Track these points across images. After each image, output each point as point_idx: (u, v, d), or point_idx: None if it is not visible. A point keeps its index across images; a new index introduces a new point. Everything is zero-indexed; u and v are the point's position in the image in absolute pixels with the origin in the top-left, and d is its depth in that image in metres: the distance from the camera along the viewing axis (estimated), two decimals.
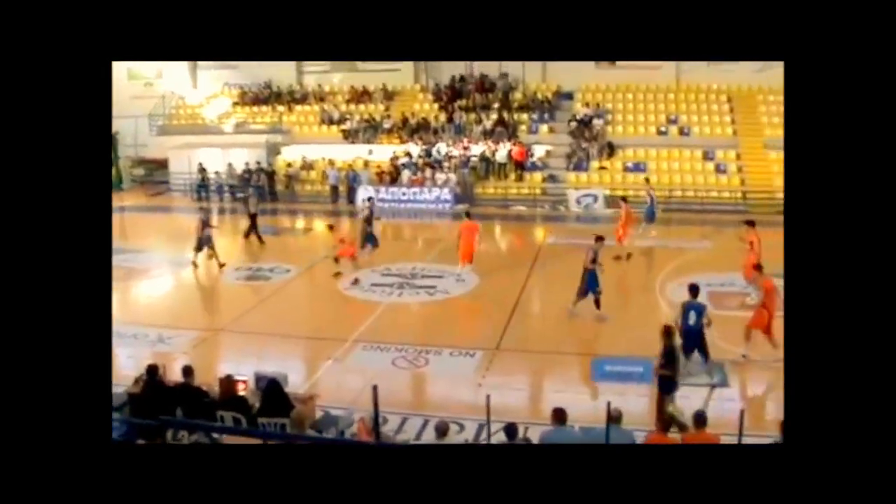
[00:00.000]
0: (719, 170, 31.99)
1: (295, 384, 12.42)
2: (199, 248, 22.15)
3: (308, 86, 40.24)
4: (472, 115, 36.02)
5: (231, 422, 10.25)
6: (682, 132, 33.76)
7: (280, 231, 28.52)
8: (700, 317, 13.32)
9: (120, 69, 36.47)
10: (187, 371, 11.05)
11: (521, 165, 33.23)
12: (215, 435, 9.42)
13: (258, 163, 34.78)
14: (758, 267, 15.24)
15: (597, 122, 34.19)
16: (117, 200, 32.46)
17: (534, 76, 37.44)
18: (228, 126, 37.89)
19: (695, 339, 13.33)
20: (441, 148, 34.42)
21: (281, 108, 38.73)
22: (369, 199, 25.96)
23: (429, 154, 34.22)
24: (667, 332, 11.95)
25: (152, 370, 10.93)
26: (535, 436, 10.25)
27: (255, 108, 39.08)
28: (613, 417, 9.27)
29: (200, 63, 39.99)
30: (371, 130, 36.43)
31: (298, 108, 38.95)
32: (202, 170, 35.10)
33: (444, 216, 30.93)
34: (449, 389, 14.17)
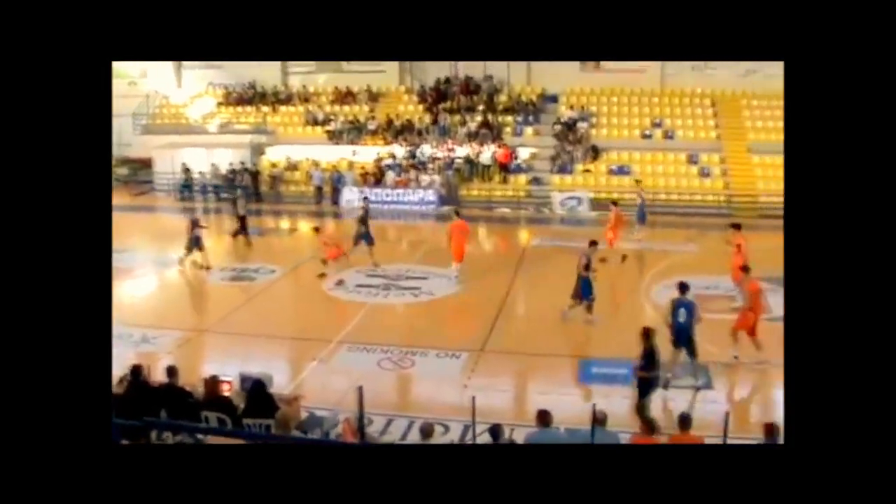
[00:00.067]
0: (703, 173, 32.10)
1: (280, 385, 12.40)
2: (189, 249, 22.05)
3: (293, 86, 40.07)
4: (457, 117, 36.00)
5: (216, 422, 10.20)
6: (666, 136, 33.89)
7: (265, 232, 28.40)
8: (690, 314, 13.42)
9: None
10: (171, 371, 11.02)
11: (505, 167, 33.24)
12: (200, 436, 9.39)
13: (242, 163, 34.68)
14: (744, 269, 15.37)
15: (581, 125, 34.26)
16: None
17: (519, 78, 37.46)
18: (213, 126, 37.70)
19: (684, 335, 13.43)
20: (425, 149, 34.36)
21: (265, 108, 38.58)
22: (365, 198, 25.91)
23: (413, 155, 34.18)
24: (646, 334, 12.00)
25: (136, 370, 10.88)
26: (520, 437, 10.28)
27: (240, 109, 38.90)
28: (598, 419, 9.32)
29: (185, 62, 39.76)
30: (355, 131, 36.36)
31: (283, 108, 38.80)
32: (186, 170, 34.95)
33: (429, 218, 30.91)
34: (434, 391, 14.17)
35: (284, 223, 31.84)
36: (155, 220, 31.75)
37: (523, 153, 34.02)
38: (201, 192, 35.08)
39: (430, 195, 32.13)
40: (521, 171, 33.46)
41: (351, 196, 32.36)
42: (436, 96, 37.45)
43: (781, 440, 8.62)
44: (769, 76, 32.71)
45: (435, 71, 38.22)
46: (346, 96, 38.79)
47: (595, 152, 33.40)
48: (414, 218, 31.22)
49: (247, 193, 31.24)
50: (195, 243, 22.05)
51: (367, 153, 35.07)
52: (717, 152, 32.84)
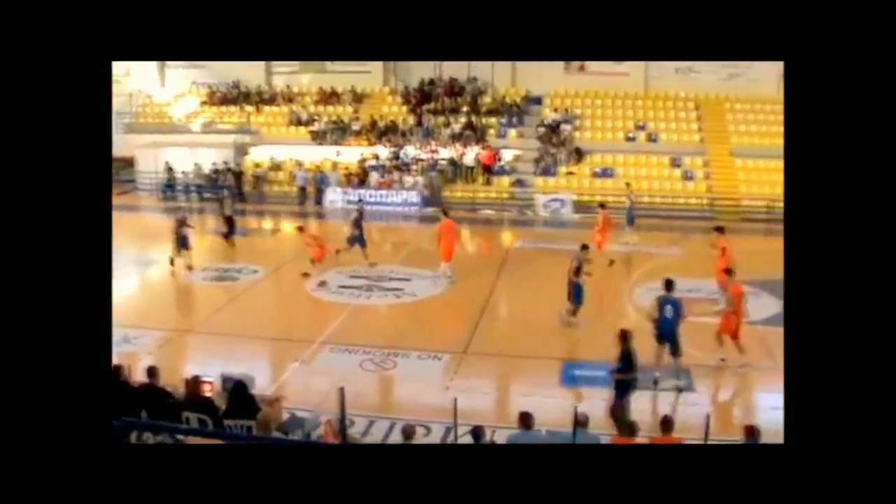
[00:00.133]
0: (686, 177, 32.24)
1: (261, 386, 12.33)
2: (178, 249, 21.91)
3: (277, 86, 39.99)
4: (441, 119, 36.04)
5: (197, 423, 10.14)
6: (649, 139, 34.03)
7: (248, 232, 28.28)
8: (675, 311, 13.48)
9: None
10: (152, 372, 10.93)
11: (488, 169, 33.28)
12: (180, 436, 9.34)
13: (226, 163, 34.58)
14: (728, 271, 15.43)
15: (565, 128, 34.36)
16: None
17: (503, 80, 37.53)
18: (196, 125, 37.59)
19: (669, 332, 13.49)
20: (409, 151, 34.37)
21: (249, 108, 38.48)
22: (360, 201, 25.81)
23: (397, 157, 34.17)
24: (623, 336, 12.03)
25: (116, 370, 10.79)
26: (501, 439, 10.29)
27: (224, 108, 38.78)
28: (580, 422, 9.34)
29: (169, 62, 39.59)
30: (339, 132, 36.31)
31: (267, 108, 38.71)
32: (169, 169, 34.84)
33: (412, 219, 30.90)
34: (416, 392, 14.15)
35: (267, 223, 31.74)
36: (137, 220, 31.51)
37: (507, 155, 34.08)
38: (184, 191, 34.96)
39: (414, 196, 32.13)
40: (504, 173, 33.52)
41: (334, 196, 32.36)
42: (420, 97, 37.46)
43: (761, 441, 8.70)
44: (752, 80, 32.96)
45: (419, 72, 38.21)
46: (330, 97, 38.76)
47: (579, 155, 33.50)
48: (397, 219, 31.20)
49: (231, 193, 31.15)
50: (182, 243, 21.91)
51: (350, 154, 35.02)
52: (701, 155, 33.00)
